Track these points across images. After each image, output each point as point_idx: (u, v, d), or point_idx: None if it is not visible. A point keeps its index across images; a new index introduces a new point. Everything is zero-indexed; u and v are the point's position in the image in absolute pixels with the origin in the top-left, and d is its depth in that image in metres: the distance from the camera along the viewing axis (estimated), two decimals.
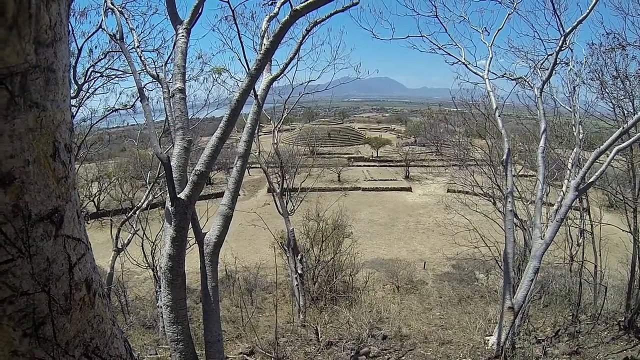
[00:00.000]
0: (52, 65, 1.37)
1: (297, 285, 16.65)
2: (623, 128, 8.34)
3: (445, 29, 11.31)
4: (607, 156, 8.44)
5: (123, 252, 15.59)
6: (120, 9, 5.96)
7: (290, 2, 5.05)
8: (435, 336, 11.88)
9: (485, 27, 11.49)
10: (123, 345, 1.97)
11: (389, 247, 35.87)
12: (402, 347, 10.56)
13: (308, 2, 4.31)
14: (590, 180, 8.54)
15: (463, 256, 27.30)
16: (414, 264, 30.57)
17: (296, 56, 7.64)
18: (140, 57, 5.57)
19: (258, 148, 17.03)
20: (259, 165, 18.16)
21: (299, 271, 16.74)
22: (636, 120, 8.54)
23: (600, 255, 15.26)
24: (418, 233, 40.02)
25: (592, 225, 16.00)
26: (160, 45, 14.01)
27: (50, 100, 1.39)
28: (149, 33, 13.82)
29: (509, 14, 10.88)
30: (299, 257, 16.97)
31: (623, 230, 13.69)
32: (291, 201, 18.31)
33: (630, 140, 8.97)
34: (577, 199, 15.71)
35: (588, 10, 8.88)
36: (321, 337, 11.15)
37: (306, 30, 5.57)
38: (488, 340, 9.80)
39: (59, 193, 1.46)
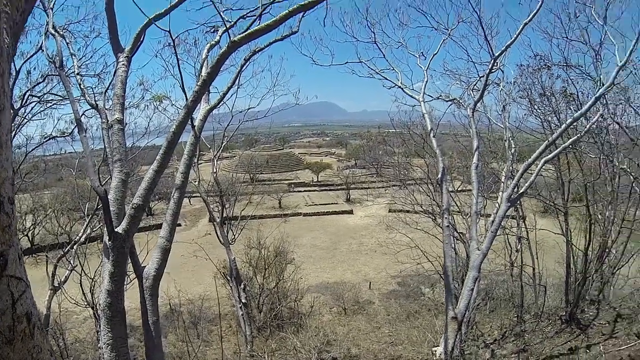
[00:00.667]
0: None
1: (242, 315, 16.41)
2: (548, 141, 8.85)
3: (384, 55, 11.70)
4: (537, 167, 8.93)
5: (60, 290, 14.74)
6: (61, 33, 5.82)
7: (228, 33, 5.08)
8: (385, 353, 12.03)
9: (422, 52, 11.95)
10: None
11: (332, 271, 35.88)
12: None
13: (246, 33, 4.37)
14: (520, 191, 8.98)
15: (407, 273, 27.73)
16: (359, 285, 30.68)
17: (235, 84, 7.65)
18: (79, 84, 5.44)
19: (198, 177, 16.81)
20: (199, 195, 17.90)
21: (243, 300, 16.51)
22: (560, 133, 9.16)
23: (537, 258, 16.12)
24: (361, 254, 40.28)
25: (527, 231, 16.83)
26: (101, 70, 13.47)
27: None
28: (91, 57, 13.26)
29: (444, 40, 11.37)
30: (242, 286, 16.75)
31: (556, 233, 14.43)
32: (232, 230, 18.13)
33: (556, 151, 9.56)
34: (513, 209, 16.58)
35: (515, 35, 9.45)
36: None
37: (245, 59, 5.63)
38: (435, 351, 9.97)
39: (3, 240, 1.62)
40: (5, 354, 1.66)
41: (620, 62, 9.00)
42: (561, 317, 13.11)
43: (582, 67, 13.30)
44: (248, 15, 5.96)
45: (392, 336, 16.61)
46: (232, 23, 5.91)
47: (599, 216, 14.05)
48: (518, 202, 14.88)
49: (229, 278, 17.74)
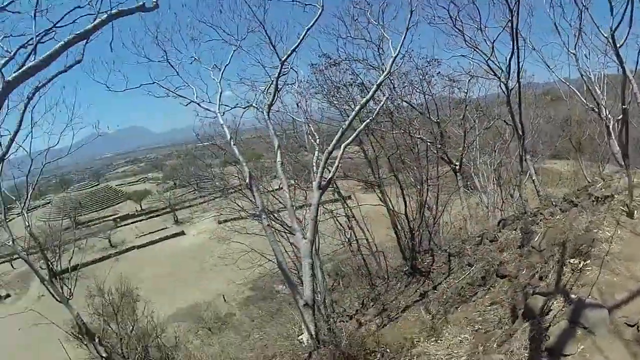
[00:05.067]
0: None
1: None
2: (342, 128, 9.86)
3: (177, 72, 11.62)
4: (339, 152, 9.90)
5: None
6: None
7: (1, 72, 4.69)
8: (261, 357, 12.36)
9: (215, 64, 12.18)
10: None
11: (183, 295, 35.22)
12: None
13: (21, 71, 4.03)
14: (329, 177, 9.82)
15: (254, 277, 28.14)
16: (214, 302, 30.63)
17: (23, 125, 7.04)
18: None
19: (10, 235, 15.28)
20: (19, 255, 16.33)
21: (103, 354, 15.58)
22: (351, 120, 10.32)
23: (369, 230, 17.64)
24: (205, 272, 40.08)
25: (351, 209, 18.35)
26: None
27: None
28: None
29: (234, 50, 11.74)
30: (97, 340, 15.79)
31: (377, 205, 16.10)
32: (66, 284, 16.88)
33: (353, 135, 10.70)
34: (334, 193, 18.16)
35: (299, 40, 10.30)
36: None
37: (28, 97, 5.30)
38: (301, 339, 10.51)
39: None
40: None
41: (395, 52, 10.38)
42: (405, 272, 14.79)
43: (367, 60, 15.47)
44: (28, 43, 5.57)
45: (262, 339, 16.98)
46: (10, 56, 5.48)
47: (412, 180, 16.04)
48: (335, 186, 16.27)
49: (80, 337, 16.57)
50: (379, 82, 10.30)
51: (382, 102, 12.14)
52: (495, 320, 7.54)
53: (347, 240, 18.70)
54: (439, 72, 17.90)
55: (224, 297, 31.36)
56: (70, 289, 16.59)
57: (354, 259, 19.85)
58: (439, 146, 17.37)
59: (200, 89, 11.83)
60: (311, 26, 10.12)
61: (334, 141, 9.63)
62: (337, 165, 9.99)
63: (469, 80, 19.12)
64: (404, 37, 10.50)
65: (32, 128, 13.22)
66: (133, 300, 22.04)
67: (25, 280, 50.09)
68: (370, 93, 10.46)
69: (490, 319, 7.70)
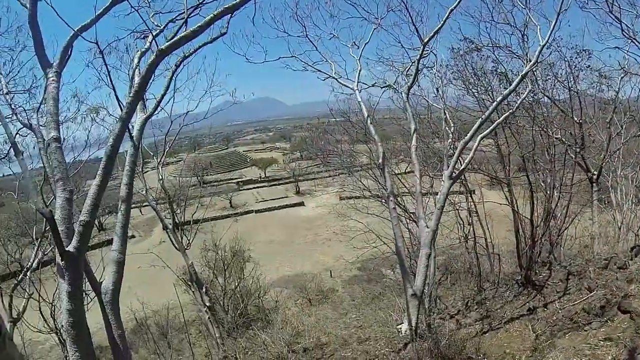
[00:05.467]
0: None
1: (208, 318, 16.29)
2: (482, 119, 9.23)
3: (316, 47, 11.71)
4: (474, 144, 9.29)
5: (20, 321, 14.07)
6: None
7: (156, 41, 5.00)
8: (354, 337, 12.20)
9: (354, 42, 12.04)
10: None
11: (292, 264, 36.05)
12: (323, 355, 10.71)
13: (173, 41, 4.34)
14: (461, 168, 9.35)
15: (366, 257, 28.05)
16: (321, 275, 30.98)
17: (169, 90, 7.51)
18: (10, 104, 5.25)
19: (145, 186, 16.46)
20: (149, 204, 17.53)
21: (207, 304, 16.37)
22: (491, 111, 9.59)
23: (488, 229, 16.61)
24: (318, 244, 40.57)
25: (475, 205, 17.33)
26: (31, 85, 12.71)
27: None
28: (18, 72, 12.46)
29: (374, 29, 11.50)
30: (204, 290, 16.60)
31: (502, 204, 15.00)
32: (186, 235, 17.85)
33: (491, 127, 9.99)
34: (460, 185, 17.18)
35: (442, 21, 9.77)
36: None
37: (175, 65, 5.53)
38: (400, 328, 10.22)
39: None
40: None
41: (543, 41, 9.42)
42: (517, 281, 13.68)
43: (510, 47, 13.94)
44: (177, 18, 5.84)
45: (359, 320, 16.82)
46: (161, 29, 5.84)
47: (542, 184, 14.71)
48: (463, 178, 15.43)
49: (190, 283, 17.54)
50: (523, 72, 9.45)
51: (524, 95, 11.17)
52: (607, 359, 6.70)
53: (464, 235, 17.85)
54: (589, 66, 15.90)
55: (330, 272, 31.62)
56: (189, 240, 17.56)
57: (467, 256, 18.94)
58: (578, 150, 15.79)
59: (338, 64, 11.78)
60: (454, 7, 9.54)
61: (471, 132, 9.13)
62: (472, 157, 9.51)
63: (622, 78, 16.76)
64: (555, 23, 9.42)
65: (174, 93, 14.26)
66: (243, 260, 22.97)
67: (150, 226, 54.65)
68: (514, 84, 9.64)
69: (601, 356, 6.80)
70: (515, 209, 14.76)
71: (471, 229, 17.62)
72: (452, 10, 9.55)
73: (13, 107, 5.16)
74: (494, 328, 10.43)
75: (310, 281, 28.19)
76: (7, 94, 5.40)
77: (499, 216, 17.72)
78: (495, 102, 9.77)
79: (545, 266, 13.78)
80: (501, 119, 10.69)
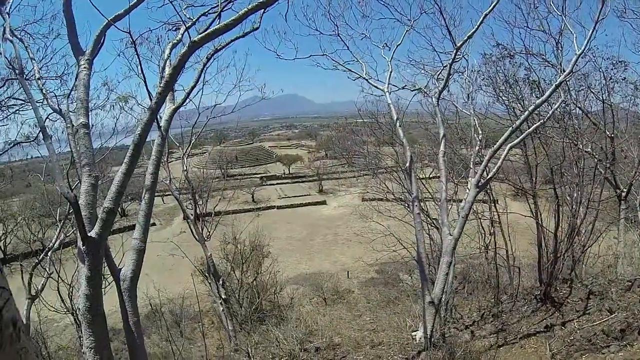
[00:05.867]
0: None
1: (223, 310, 16.38)
2: (512, 127, 9.08)
3: (347, 47, 11.68)
4: (503, 153, 9.15)
5: (38, 299, 14.38)
6: (19, 37, 5.67)
7: (188, 33, 5.03)
8: (367, 340, 12.15)
9: (385, 43, 11.99)
10: None
11: (310, 262, 36.07)
12: (335, 356, 10.68)
13: (205, 33, 4.36)
14: (488, 177, 9.21)
15: (384, 260, 27.88)
16: (338, 275, 30.89)
17: (200, 82, 7.57)
18: (41, 89, 5.32)
19: (169, 175, 16.63)
20: (171, 193, 17.71)
21: (223, 296, 16.47)
22: (523, 120, 9.42)
23: (510, 240, 16.32)
24: (337, 244, 40.52)
25: (498, 214, 17.04)
26: (63, 72, 12.87)
27: None
28: (51, 59, 12.70)
29: (407, 31, 11.42)
30: (221, 282, 16.70)
31: (526, 216, 14.73)
32: (206, 227, 17.98)
33: (521, 136, 9.83)
34: (484, 193, 16.90)
35: (477, 25, 9.61)
36: (253, 359, 11.05)
37: (207, 57, 5.56)
38: (415, 335, 10.13)
39: None
40: None
41: (579, 50, 9.22)
42: (536, 297, 13.43)
43: (543, 55, 13.59)
44: (209, 12, 5.90)
45: (373, 323, 16.77)
46: (193, 21, 5.89)
47: (567, 198, 14.38)
48: (488, 187, 15.21)
49: (207, 275, 17.66)
50: (558, 82, 9.26)
51: (556, 105, 10.97)
52: None
53: (484, 245, 17.61)
54: (625, 78, 15.41)
55: (348, 273, 31.55)
56: (209, 232, 17.68)
57: (486, 266, 18.68)
58: (608, 165, 15.41)
59: (369, 65, 11.74)
60: (489, 12, 9.42)
61: (500, 140, 9.04)
62: (499, 166, 9.35)
63: None
64: (592, 32, 9.21)
65: (202, 86, 14.47)
66: (262, 255, 22.98)
67: (171, 215, 55.33)
68: (547, 93, 9.45)
69: None
70: (540, 222, 14.47)
71: (492, 239, 17.37)
72: (486, 14, 9.43)
73: (44, 92, 5.20)
74: (509, 342, 10.27)
75: (327, 280, 28.13)
76: (39, 79, 5.45)
77: (521, 228, 17.43)
78: (527, 111, 9.59)
79: (566, 283, 13.49)
80: (532, 128, 10.51)
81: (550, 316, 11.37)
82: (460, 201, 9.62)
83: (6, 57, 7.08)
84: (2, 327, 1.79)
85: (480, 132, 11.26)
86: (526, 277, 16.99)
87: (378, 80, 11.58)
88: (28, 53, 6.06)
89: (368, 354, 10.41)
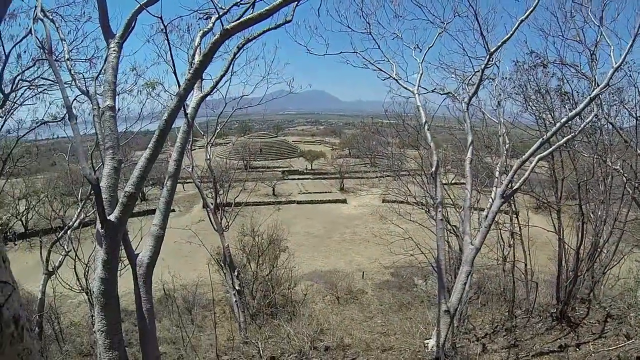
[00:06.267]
0: None
1: (235, 301, 16.44)
2: (543, 139, 8.85)
3: (378, 46, 11.56)
4: (531, 164, 8.94)
5: (54, 275, 14.64)
6: (51, 17, 5.70)
7: (221, 21, 4.99)
8: (377, 343, 12.07)
9: (417, 44, 11.85)
10: None
11: (326, 259, 35.97)
12: (345, 357, 10.62)
13: (239, 22, 4.31)
14: (514, 188, 9.03)
15: (400, 264, 27.76)
16: (353, 274, 30.79)
17: (228, 72, 7.54)
18: (70, 70, 5.34)
19: (191, 163, 16.72)
20: (193, 181, 17.82)
21: (237, 287, 16.53)
22: (554, 132, 9.17)
23: (529, 254, 16.04)
24: (355, 244, 40.35)
25: (520, 227, 16.76)
26: (93, 55, 13.05)
27: None
28: (82, 41, 12.87)
29: (439, 33, 11.26)
30: (236, 273, 16.76)
31: (548, 231, 14.44)
32: (225, 217, 18.06)
33: (550, 149, 9.62)
34: (506, 204, 16.60)
35: (511, 32, 9.39)
36: (263, 353, 11.05)
37: (238, 47, 5.53)
38: (427, 343, 10.01)
39: None
40: None
41: (616, 63, 8.97)
42: (552, 314, 13.19)
43: (577, 66, 13.27)
44: (242, 2, 5.88)
45: (384, 326, 16.70)
46: (225, 10, 5.86)
47: (592, 215, 14.04)
48: (511, 198, 14.95)
49: (222, 264, 17.75)
50: (592, 95, 9.00)
51: (588, 119, 10.69)
52: None
53: (503, 257, 17.35)
54: None
55: (363, 274, 31.40)
56: (228, 222, 17.74)
57: (502, 278, 18.42)
58: (637, 185, 15.02)
59: (399, 66, 11.61)
60: (525, 18, 9.20)
61: (530, 151, 8.78)
62: (526, 177, 9.13)
63: None
64: (630, 46, 8.99)
65: (230, 76, 14.56)
66: (279, 249, 23.02)
67: (190, 203, 55.63)
68: (581, 106, 9.20)
69: None
70: (562, 237, 14.17)
71: (511, 251, 17.11)
72: (522, 21, 9.22)
73: (73, 73, 5.22)
74: (520, 359, 10.09)
75: (341, 279, 28.10)
76: (68, 59, 5.48)
77: (541, 242, 17.12)
78: (559, 123, 9.34)
79: (584, 303, 13.22)
80: (563, 141, 10.24)
81: (565, 336, 11.15)
82: (482, 210, 9.46)
83: (37, 37, 7.16)
84: (2, 325, 1.68)
85: (507, 141, 11.06)
86: (543, 293, 16.71)
87: (407, 81, 11.44)
88: (59, 34, 6.10)
89: (378, 358, 10.33)
